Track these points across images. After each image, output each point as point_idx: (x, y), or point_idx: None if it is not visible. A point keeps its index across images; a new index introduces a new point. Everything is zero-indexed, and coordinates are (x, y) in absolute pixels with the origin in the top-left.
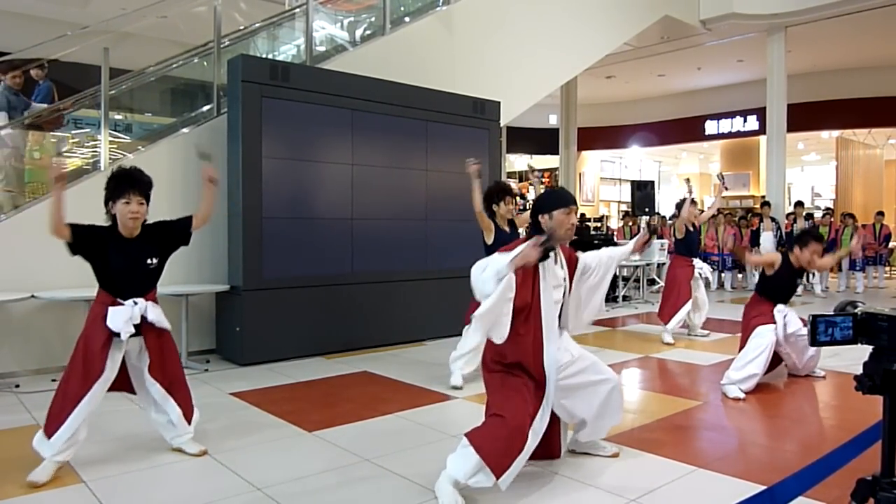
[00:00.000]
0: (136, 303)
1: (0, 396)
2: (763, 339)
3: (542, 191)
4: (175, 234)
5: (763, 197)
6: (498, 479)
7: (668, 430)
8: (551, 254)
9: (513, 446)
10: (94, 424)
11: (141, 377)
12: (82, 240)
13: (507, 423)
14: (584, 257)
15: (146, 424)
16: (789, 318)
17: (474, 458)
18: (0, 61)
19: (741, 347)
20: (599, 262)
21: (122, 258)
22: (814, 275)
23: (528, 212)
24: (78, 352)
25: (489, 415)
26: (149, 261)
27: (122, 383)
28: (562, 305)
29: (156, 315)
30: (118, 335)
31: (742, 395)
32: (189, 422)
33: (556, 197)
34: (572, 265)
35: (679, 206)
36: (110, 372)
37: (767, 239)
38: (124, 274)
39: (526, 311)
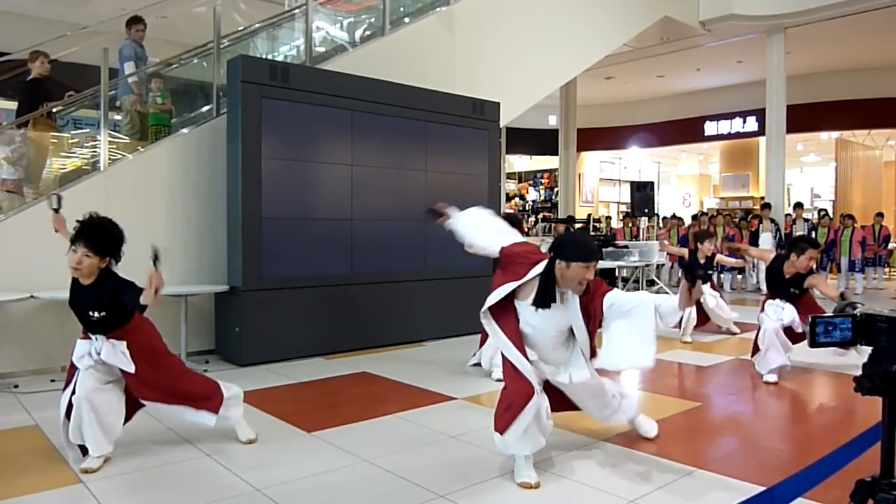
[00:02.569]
0: (96, 339)
1: None
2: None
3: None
4: (122, 303)
5: (762, 198)
6: (501, 434)
7: (669, 430)
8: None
9: (513, 404)
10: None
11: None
12: None
13: (507, 392)
14: (609, 296)
15: (145, 424)
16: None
17: (496, 436)
18: (4, 60)
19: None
20: (615, 303)
21: (73, 300)
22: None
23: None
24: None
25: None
26: (91, 313)
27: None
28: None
29: (110, 355)
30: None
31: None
32: (213, 408)
33: (580, 248)
34: (588, 303)
35: (700, 238)
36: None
37: (766, 240)
38: (76, 313)
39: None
